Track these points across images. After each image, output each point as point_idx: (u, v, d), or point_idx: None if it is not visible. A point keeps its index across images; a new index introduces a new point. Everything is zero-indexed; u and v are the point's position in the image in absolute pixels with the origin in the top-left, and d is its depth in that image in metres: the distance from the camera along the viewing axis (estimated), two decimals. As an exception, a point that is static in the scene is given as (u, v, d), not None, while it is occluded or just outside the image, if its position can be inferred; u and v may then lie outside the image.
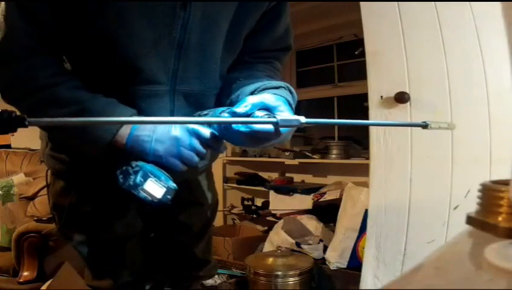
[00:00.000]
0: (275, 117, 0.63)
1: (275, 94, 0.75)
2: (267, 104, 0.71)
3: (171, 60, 0.79)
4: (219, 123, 0.69)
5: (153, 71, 0.78)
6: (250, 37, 0.90)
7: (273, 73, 0.93)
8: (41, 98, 0.73)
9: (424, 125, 0.66)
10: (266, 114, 0.68)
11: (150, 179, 0.66)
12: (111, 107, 0.74)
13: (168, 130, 0.72)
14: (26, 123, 0.46)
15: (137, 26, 0.74)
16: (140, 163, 0.68)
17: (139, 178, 0.66)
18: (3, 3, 0.72)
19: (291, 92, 0.82)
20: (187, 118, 0.73)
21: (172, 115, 0.82)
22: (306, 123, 0.61)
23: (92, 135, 0.73)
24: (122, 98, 0.78)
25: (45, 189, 2.46)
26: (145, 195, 0.66)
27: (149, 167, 0.67)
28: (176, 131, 0.71)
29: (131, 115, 0.75)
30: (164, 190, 0.67)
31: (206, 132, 0.71)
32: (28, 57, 0.73)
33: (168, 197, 0.68)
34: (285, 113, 0.70)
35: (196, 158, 0.72)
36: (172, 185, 0.69)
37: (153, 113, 0.78)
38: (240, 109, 0.69)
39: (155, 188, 0.66)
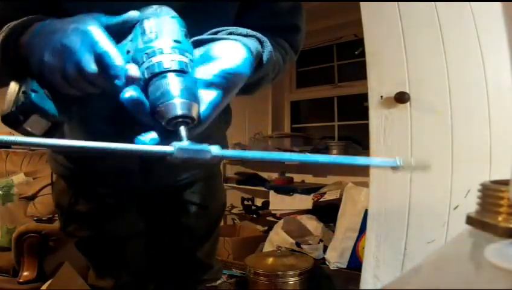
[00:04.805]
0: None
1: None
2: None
3: None
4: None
5: None
6: (244, 13, 0.76)
7: (277, 47, 0.74)
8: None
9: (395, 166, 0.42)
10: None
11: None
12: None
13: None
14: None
15: None
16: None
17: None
18: None
19: (261, 42, 0.63)
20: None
21: None
22: (217, 156, 0.43)
23: None
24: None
25: (45, 189, 2.49)
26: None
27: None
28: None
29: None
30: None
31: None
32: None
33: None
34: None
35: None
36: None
37: None
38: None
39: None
